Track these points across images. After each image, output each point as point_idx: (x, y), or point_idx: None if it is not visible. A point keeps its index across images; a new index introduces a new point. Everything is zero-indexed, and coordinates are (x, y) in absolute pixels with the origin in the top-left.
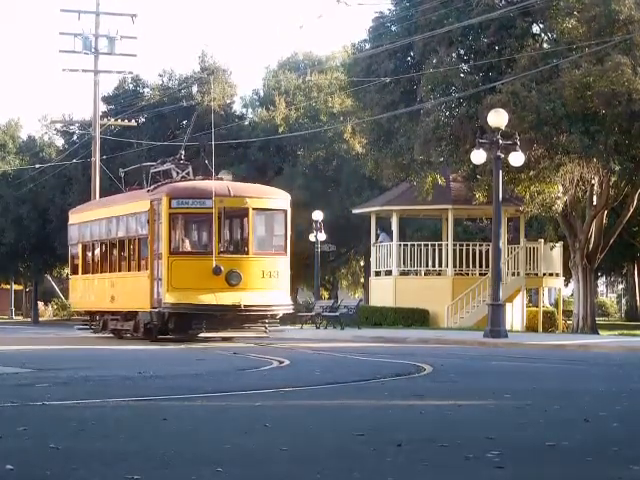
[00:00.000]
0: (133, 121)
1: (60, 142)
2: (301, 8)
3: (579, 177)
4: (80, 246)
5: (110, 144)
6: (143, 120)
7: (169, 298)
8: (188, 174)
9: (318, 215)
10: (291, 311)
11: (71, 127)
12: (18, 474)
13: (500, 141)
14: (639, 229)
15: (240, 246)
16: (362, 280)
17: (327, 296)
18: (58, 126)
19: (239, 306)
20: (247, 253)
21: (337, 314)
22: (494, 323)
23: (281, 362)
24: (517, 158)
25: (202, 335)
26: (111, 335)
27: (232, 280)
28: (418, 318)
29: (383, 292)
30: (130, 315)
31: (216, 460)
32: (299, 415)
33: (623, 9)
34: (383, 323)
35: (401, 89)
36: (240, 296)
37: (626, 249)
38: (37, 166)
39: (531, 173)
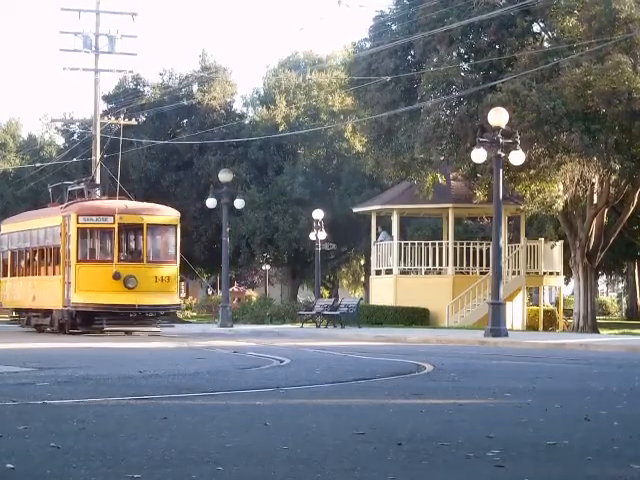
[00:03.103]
0: (133, 120)
1: (60, 141)
2: (302, 8)
3: (579, 176)
4: (9, 252)
5: (110, 143)
6: (143, 119)
7: (76, 298)
8: (97, 193)
9: (318, 214)
10: (179, 310)
11: (71, 126)
12: (19, 473)
13: (500, 140)
14: (639, 228)
15: (137, 255)
16: (362, 279)
17: (327, 295)
18: (58, 125)
19: (134, 306)
20: (142, 261)
21: (337, 313)
22: (494, 322)
23: (281, 361)
24: (517, 157)
25: (107, 329)
26: (34, 329)
27: (129, 284)
28: (418, 317)
29: (383, 291)
30: (48, 312)
31: (217, 459)
32: (299, 414)
33: (623, 8)
34: (383, 322)
35: (401, 88)
36: (136, 297)
37: (627, 248)
38: (37, 165)
39: (531, 172)
